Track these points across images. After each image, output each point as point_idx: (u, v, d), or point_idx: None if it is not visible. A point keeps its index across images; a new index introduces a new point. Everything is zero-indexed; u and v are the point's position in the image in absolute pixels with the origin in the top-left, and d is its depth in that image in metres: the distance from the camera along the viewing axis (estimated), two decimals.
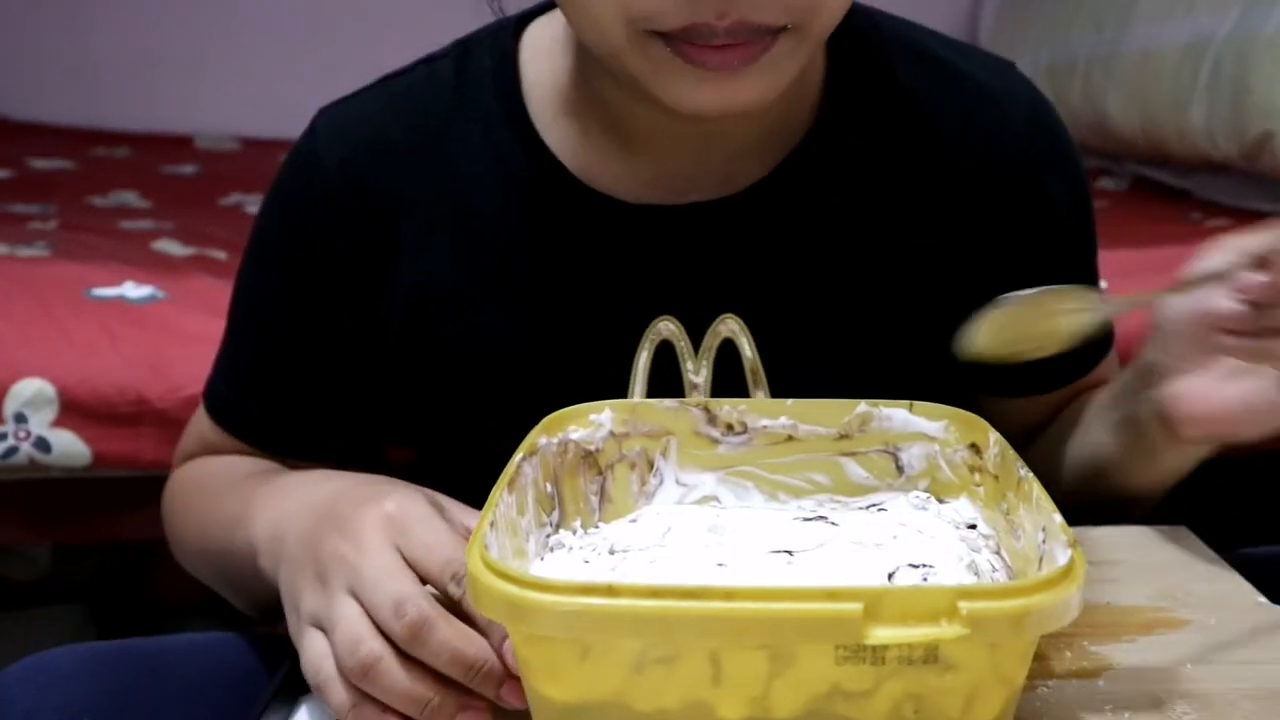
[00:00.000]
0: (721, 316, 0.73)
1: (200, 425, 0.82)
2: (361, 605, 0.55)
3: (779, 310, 0.74)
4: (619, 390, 0.72)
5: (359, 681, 0.54)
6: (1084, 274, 0.81)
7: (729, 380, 0.73)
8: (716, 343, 0.73)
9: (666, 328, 0.73)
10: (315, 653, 0.56)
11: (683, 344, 0.73)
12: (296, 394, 0.79)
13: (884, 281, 0.75)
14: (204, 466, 0.82)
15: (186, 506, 0.81)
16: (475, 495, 0.63)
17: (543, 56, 0.76)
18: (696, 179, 0.73)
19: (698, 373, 0.73)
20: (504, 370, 0.75)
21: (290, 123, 0.79)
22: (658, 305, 0.73)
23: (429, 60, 0.78)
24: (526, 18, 0.78)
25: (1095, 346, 0.81)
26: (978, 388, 0.79)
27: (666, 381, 0.73)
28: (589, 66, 0.72)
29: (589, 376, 0.71)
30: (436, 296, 0.75)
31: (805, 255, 0.74)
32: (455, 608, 0.55)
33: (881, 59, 0.75)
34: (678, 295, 0.73)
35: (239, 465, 0.79)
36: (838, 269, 0.74)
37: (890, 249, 0.75)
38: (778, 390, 0.73)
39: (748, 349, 0.73)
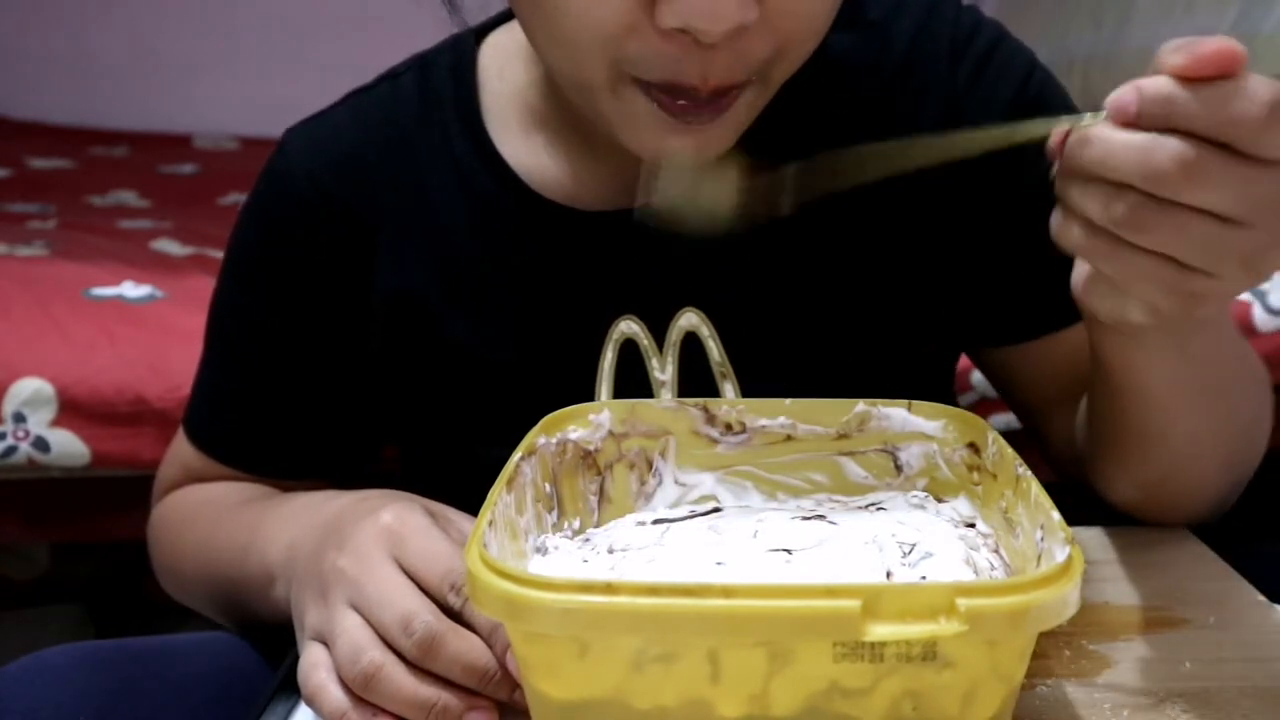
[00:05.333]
0: (681, 310, 0.73)
1: (183, 454, 0.82)
2: (364, 618, 0.55)
3: (744, 302, 0.73)
4: (593, 395, 0.73)
5: (362, 691, 0.54)
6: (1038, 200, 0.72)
7: (699, 377, 0.73)
8: (679, 337, 0.73)
9: (629, 327, 0.73)
10: (308, 662, 0.57)
11: (646, 342, 0.73)
12: (284, 414, 0.79)
13: (845, 263, 0.74)
14: (193, 495, 0.81)
15: (182, 536, 0.80)
16: (457, 501, 0.63)
17: (504, 67, 0.76)
18: None
19: (663, 370, 0.73)
20: (479, 379, 0.75)
21: (289, 122, 0.79)
22: (625, 309, 0.73)
23: (393, 75, 0.79)
24: (486, 28, 0.78)
25: None
26: (973, 340, 0.78)
27: (636, 381, 0.73)
28: (553, 79, 0.72)
29: (562, 383, 0.71)
30: (411, 307, 0.75)
31: (763, 244, 0.74)
32: (457, 616, 0.55)
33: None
34: (644, 298, 0.73)
35: (232, 492, 0.79)
36: (797, 255, 0.74)
37: (847, 229, 0.74)
38: (747, 383, 0.73)
39: (711, 342, 0.73)
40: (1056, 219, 0.53)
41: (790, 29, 0.61)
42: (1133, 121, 0.48)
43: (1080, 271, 0.55)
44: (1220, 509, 0.74)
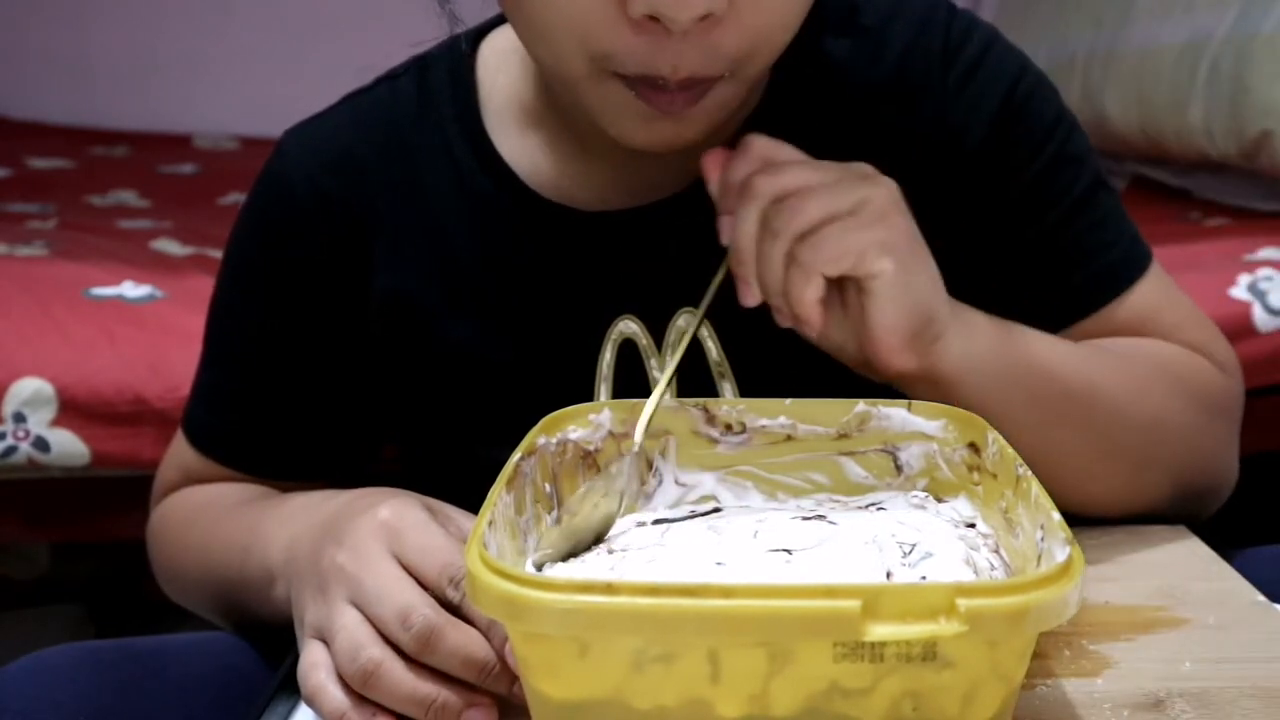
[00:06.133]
0: (680, 310, 0.73)
1: (182, 456, 0.82)
2: (364, 615, 0.55)
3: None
4: (593, 395, 0.73)
5: (361, 688, 0.54)
6: (1034, 205, 0.74)
7: (698, 377, 0.73)
8: (678, 337, 0.73)
9: (628, 326, 0.73)
10: (307, 662, 0.57)
11: (645, 341, 0.73)
12: (282, 415, 0.79)
13: None
14: (193, 497, 0.81)
15: (182, 539, 0.80)
16: (457, 501, 0.63)
17: (501, 67, 0.76)
18: (654, 180, 0.73)
19: (662, 369, 0.73)
20: (478, 379, 0.75)
21: (289, 122, 0.79)
22: (624, 309, 0.73)
23: (391, 77, 0.79)
24: (484, 30, 0.79)
25: (1087, 286, 0.75)
26: None
27: (635, 381, 0.73)
28: (545, 77, 0.73)
29: (561, 383, 0.71)
30: (409, 309, 0.75)
31: None
32: (455, 610, 0.55)
33: (811, 33, 0.71)
34: (643, 298, 0.73)
35: (231, 493, 0.79)
36: None
37: None
38: (747, 383, 0.73)
39: (710, 342, 0.73)
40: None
41: (759, 24, 0.61)
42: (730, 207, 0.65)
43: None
44: (1180, 512, 0.74)
